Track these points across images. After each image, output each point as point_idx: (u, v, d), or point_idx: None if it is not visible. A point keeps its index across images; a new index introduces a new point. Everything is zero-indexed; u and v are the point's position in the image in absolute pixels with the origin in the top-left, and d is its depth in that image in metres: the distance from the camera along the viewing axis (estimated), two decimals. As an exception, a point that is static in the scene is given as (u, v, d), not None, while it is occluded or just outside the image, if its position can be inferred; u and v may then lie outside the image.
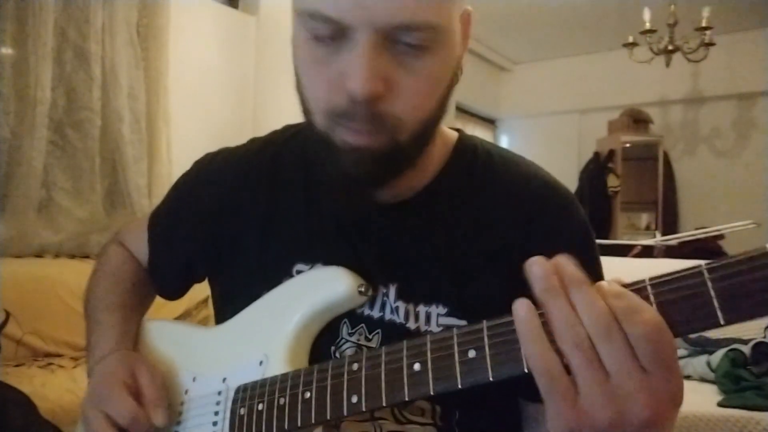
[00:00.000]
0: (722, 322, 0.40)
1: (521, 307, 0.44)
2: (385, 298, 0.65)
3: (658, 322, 0.40)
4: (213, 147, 0.83)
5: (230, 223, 0.74)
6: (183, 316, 2.37)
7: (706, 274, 0.40)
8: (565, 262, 0.43)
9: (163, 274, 0.83)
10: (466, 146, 0.71)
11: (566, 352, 0.42)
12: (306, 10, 0.55)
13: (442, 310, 0.64)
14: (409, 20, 0.52)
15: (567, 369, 0.42)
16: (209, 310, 2.36)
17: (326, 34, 0.54)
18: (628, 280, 0.44)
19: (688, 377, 2.33)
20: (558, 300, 0.43)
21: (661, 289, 0.41)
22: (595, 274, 0.65)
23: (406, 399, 0.50)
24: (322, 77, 0.56)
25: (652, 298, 0.42)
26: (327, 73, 0.56)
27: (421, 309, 0.64)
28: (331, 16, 0.53)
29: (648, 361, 0.41)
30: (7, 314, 2.07)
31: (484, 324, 0.47)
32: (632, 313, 0.41)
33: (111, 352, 0.73)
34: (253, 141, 0.80)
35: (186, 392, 0.71)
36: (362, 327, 0.66)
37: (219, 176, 0.77)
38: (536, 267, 0.44)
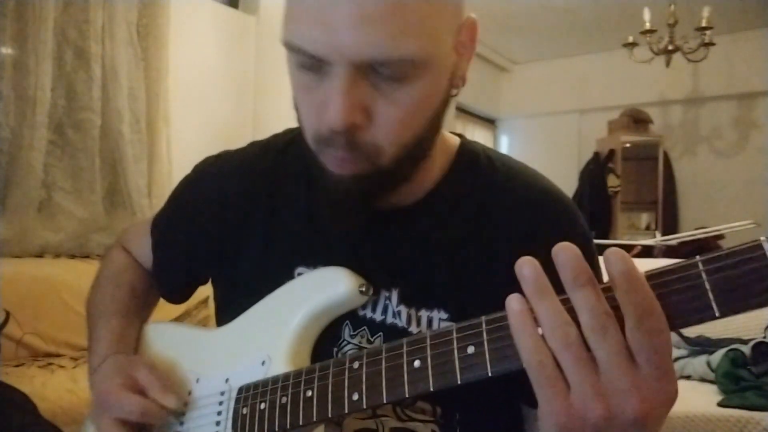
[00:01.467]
0: (717, 314, 0.40)
1: (514, 301, 0.44)
2: (387, 302, 0.65)
3: (663, 325, 0.41)
4: (213, 147, 0.83)
5: (232, 227, 0.75)
6: (183, 316, 2.37)
7: (701, 266, 0.40)
8: (572, 256, 0.43)
9: (168, 278, 0.83)
10: (467, 152, 0.71)
11: (555, 352, 0.42)
12: (288, 43, 0.56)
13: (443, 315, 0.64)
14: (385, 57, 0.52)
15: (559, 366, 0.43)
16: (209, 310, 2.36)
17: (308, 65, 0.55)
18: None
19: (688, 377, 2.33)
20: (546, 301, 0.43)
21: (657, 282, 0.42)
22: None
23: (407, 395, 0.50)
24: (309, 103, 0.58)
25: None
26: (312, 101, 0.57)
27: (423, 314, 0.65)
28: (309, 50, 0.54)
29: (644, 360, 0.41)
30: (7, 314, 2.07)
31: (483, 320, 0.48)
32: (645, 314, 0.41)
33: (104, 359, 0.73)
34: (254, 144, 0.80)
35: (189, 393, 0.71)
36: (364, 330, 0.66)
37: (220, 180, 0.77)
38: (526, 268, 0.44)
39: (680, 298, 0.41)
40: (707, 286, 0.40)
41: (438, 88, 0.59)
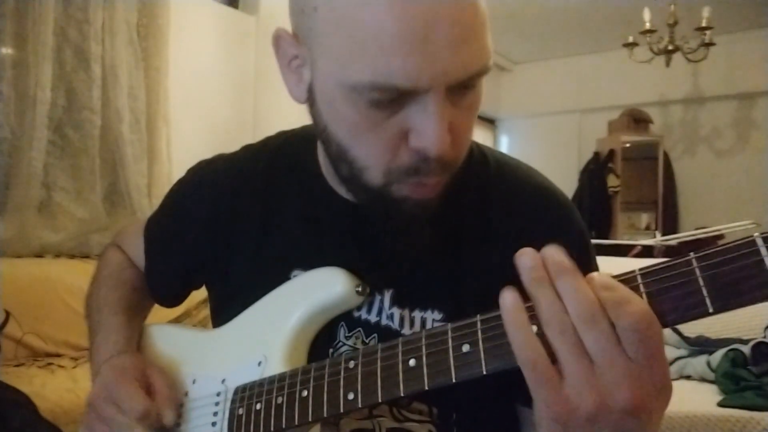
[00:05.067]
0: (711, 310, 0.40)
1: (507, 296, 0.45)
2: (380, 304, 0.65)
3: (645, 312, 0.41)
4: (213, 147, 0.83)
5: (226, 230, 0.74)
6: (183, 317, 2.37)
7: (695, 263, 0.41)
8: (554, 252, 0.44)
9: (160, 282, 0.83)
10: None
11: (551, 339, 0.43)
12: (364, 84, 0.50)
13: (437, 315, 0.64)
14: (475, 72, 0.52)
15: (553, 358, 0.43)
16: (209, 310, 2.36)
17: (386, 102, 0.52)
18: (623, 276, 0.44)
19: (688, 377, 2.33)
20: (544, 289, 0.44)
21: (651, 279, 0.42)
22: None
23: (402, 394, 0.50)
24: (375, 140, 0.54)
25: (642, 288, 0.42)
26: (386, 134, 0.54)
27: (417, 315, 0.65)
28: (403, 85, 0.50)
29: (633, 351, 0.41)
30: (7, 314, 2.07)
31: (478, 318, 0.48)
32: (620, 305, 0.41)
33: (120, 353, 0.73)
34: (247, 148, 0.80)
35: (186, 394, 0.71)
36: (359, 331, 0.66)
37: (214, 183, 0.77)
38: (525, 258, 0.45)
39: (674, 295, 0.41)
40: (701, 282, 0.40)
41: None
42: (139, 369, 0.70)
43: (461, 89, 0.53)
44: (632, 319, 0.41)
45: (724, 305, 0.40)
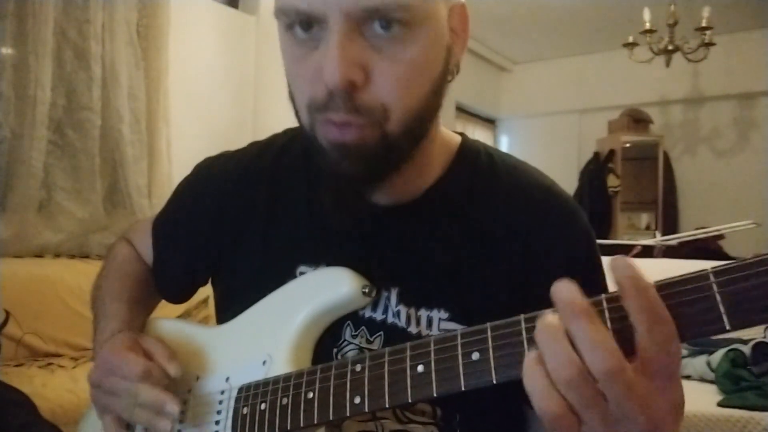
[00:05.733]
0: (728, 327, 0.39)
1: (531, 355, 0.43)
2: (386, 302, 0.65)
3: (674, 333, 0.40)
4: (213, 147, 0.83)
5: (232, 226, 0.74)
6: (183, 316, 2.37)
7: (712, 278, 0.39)
8: (565, 290, 0.41)
9: (168, 278, 0.83)
10: (469, 150, 0.71)
11: (563, 392, 0.41)
12: (279, 8, 0.56)
13: (443, 314, 0.64)
14: (380, 2, 0.52)
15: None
16: (209, 310, 2.36)
17: (303, 32, 0.55)
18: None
19: (688, 377, 2.33)
20: (550, 344, 0.42)
21: (666, 293, 0.41)
22: (597, 282, 0.65)
23: (409, 401, 0.50)
24: (302, 75, 0.57)
25: None
26: (306, 70, 0.56)
27: (423, 313, 0.64)
28: (302, 8, 0.53)
29: (657, 367, 0.40)
30: (7, 314, 2.07)
31: (488, 326, 0.47)
32: (654, 321, 0.40)
33: (114, 333, 0.73)
34: (254, 144, 0.80)
35: (189, 391, 0.71)
36: (363, 329, 0.65)
37: (220, 180, 0.77)
38: (543, 324, 0.42)
39: (691, 311, 0.40)
40: (718, 298, 0.39)
41: (436, 55, 0.58)
42: (132, 339, 0.70)
43: (370, 23, 0.53)
44: (663, 339, 0.39)
45: (741, 323, 0.38)
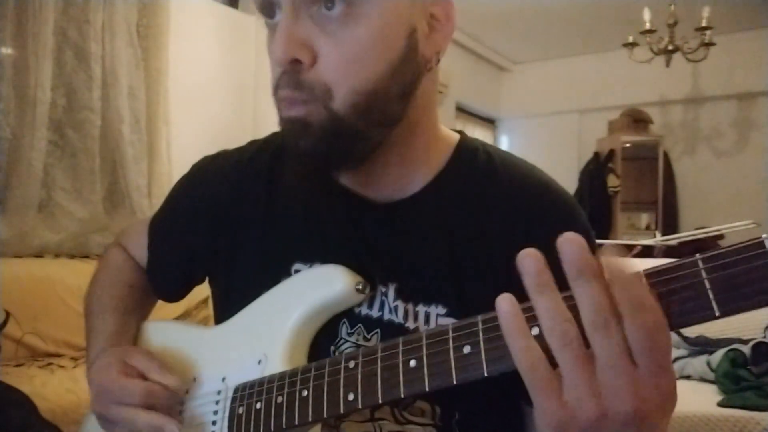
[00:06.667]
0: (717, 313, 0.39)
1: (504, 302, 0.43)
2: (383, 298, 0.65)
3: (660, 320, 0.40)
4: (213, 147, 0.83)
5: (229, 224, 0.75)
6: (183, 317, 2.37)
7: (701, 265, 0.39)
8: (575, 246, 0.41)
9: (162, 276, 0.83)
10: (467, 147, 0.71)
11: (552, 348, 0.41)
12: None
13: (441, 310, 0.64)
14: None
15: (553, 362, 0.41)
16: (209, 310, 2.36)
17: (269, 19, 0.60)
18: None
19: (688, 377, 2.33)
20: (546, 295, 0.42)
21: (656, 280, 0.41)
22: None
23: (402, 395, 0.50)
24: (269, 58, 0.61)
25: None
26: (270, 53, 0.60)
27: (421, 309, 0.64)
28: None
29: (642, 359, 0.40)
30: (7, 314, 2.07)
31: (479, 319, 0.47)
32: (637, 309, 0.39)
33: (98, 354, 0.73)
34: (252, 143, 0.80)
35: (186, 392, 0.71)
36: (360, 326, 0.65)
37: (217, 178, 0.77)
38: (528, 260, 0.42)
39: (680, 297, 0.40)
40: (707, 285, 0.39)
41: (390, 38, 0.58)
42: (119, 360, 0.70)
43: (318, 4, 0.56)
44: (647, 326, 0.39)
45: (731, 309, 0.38)
